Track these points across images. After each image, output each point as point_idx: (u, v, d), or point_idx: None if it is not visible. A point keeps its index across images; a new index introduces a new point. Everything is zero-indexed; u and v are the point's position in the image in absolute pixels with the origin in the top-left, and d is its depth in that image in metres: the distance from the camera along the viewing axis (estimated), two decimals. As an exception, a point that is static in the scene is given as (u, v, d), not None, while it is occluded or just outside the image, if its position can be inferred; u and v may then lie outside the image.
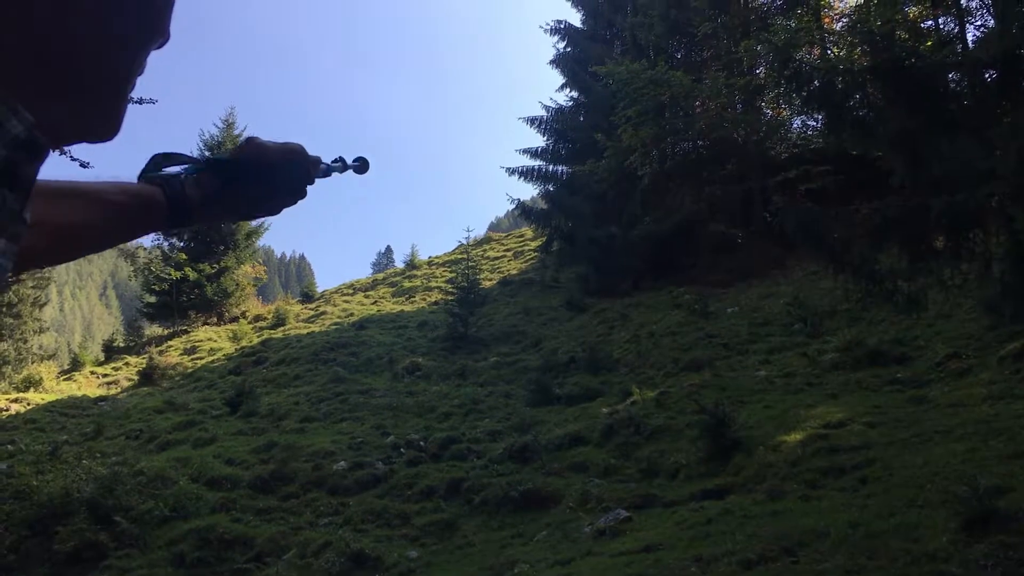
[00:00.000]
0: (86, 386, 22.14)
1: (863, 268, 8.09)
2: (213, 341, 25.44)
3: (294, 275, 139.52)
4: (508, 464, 10.47)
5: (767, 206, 20.57)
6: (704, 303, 17.41)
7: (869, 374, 10.80)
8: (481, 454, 11.12)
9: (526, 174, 28.64)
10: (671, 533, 6.74)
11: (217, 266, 29.97)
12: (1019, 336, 9.52)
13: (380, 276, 37.77)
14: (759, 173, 21.84)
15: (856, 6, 17.71)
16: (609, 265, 22.70)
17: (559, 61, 29.83)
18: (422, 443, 11.86)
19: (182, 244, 30.24)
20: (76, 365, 25.78)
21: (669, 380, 12.91)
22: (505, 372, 16.20)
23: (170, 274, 28.60)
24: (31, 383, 21.08)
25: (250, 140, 1.02)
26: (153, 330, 30.36)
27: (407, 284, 31.18)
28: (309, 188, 1.10)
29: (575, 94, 29.75)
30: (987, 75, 8.65)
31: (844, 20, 22.00)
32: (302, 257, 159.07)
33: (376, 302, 28.80)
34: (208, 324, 28.95)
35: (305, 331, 24.22)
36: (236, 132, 32.62)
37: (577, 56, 29.12)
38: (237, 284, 30.55)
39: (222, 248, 30.77)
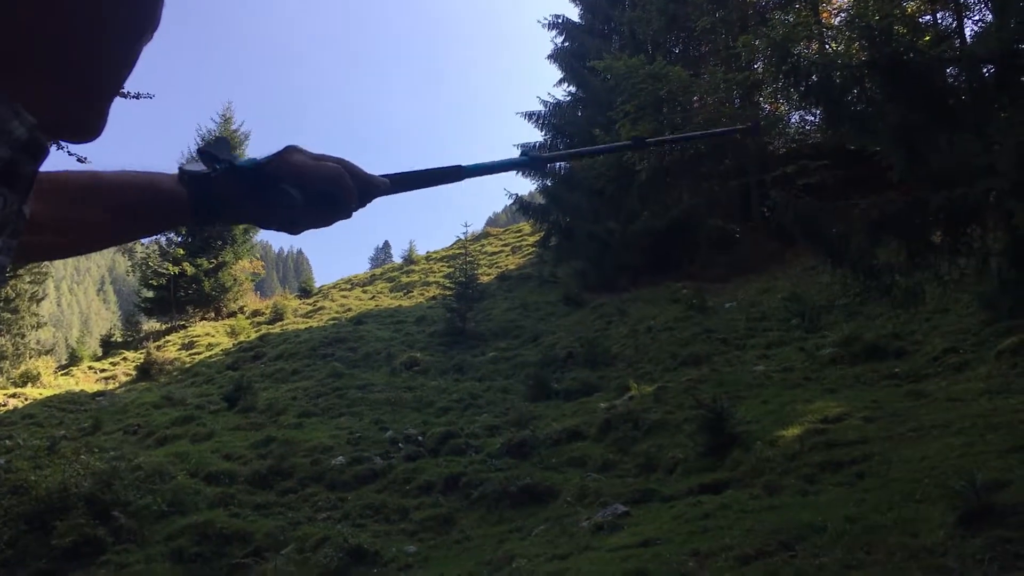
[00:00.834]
0: (84, 381, 22.13)
1: (861, 263, 8.10)
2: (211, 336, 25.43)
3: (292, 270, 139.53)
4: (506, 459, 10.48)
5: (765, 201, 20.60)
6: (702, 298, 17.43)
7: (867, 369, 10.81)
8: (479, 449, 11.13)
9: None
10: (669, 527, 6.74)
11: (215, 261, 29.94)
12: (1016, 331, 9.53)
13: (378, 271, 37.75)
14: (757, 168, 21.86)
15: (854, 1, 17.71)
16: (607, 260, 22.71)
17: (557, 56, 29.80)
18: (420, 438, 11.87)
19: (180, 239, 30.19)
20: (74, 360, 25.75)
21: (667, 375, 12.92)
22: (503, 367, 16.20)
23: (168, 269, 28.57)
24: (29, 378, 21.07)
25: (288, 151, 0.97)
26: (151, 325, 30.32)
27: (405, 279, 31.18)
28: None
29: (573, 89, 29.75)
30: (985, 70, 8.65)
31: (842, 15, 22.01)
32: (300, 252, 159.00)
33: (374, 297, 28.80)
34: (206, 319, 28.94)
35: (303, 326, 24.22)
36: (234, 127, 32.58)
37: (575, 51, 29.09)
38: (235, 279, 30.52)
39: (220, 243, 30.71)
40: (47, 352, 29.13)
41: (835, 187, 17.51)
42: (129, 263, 31.82)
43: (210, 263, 29.59)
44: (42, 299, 30.53)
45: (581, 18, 30.31)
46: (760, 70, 22.54)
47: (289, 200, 0.93)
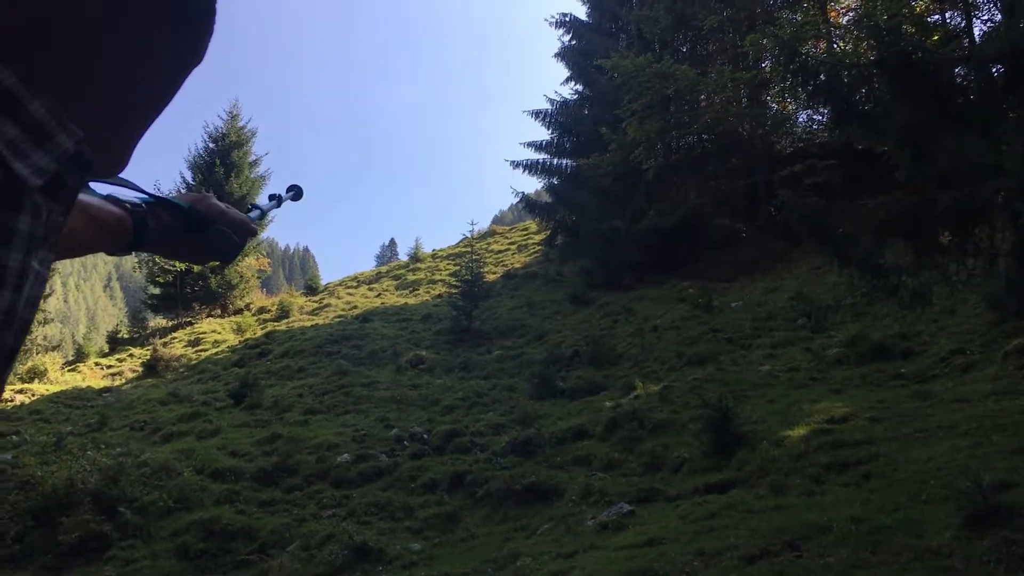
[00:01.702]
0: (90, 377, 22.19)
1: (868, 263, 8.08)
2: (217, 333, 25.47)
3: (298, 267, 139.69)
4: (511, 457, 10.48)
5: (772, 200, 20.53)
6: (708, 297, 17.41)
7: (873, 369, 10.78)
8: (484, 447, 11.13)
9: (531, 167, 28.65)
10: (674, 527, 6.73)
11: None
12: (1024, 332, 9.51)
13: (384, 269, 37.77)
14: (764, 167, 21.82)
15: (862, 0, 17.66)
16: (613, 259, 22.69)
17: (564, 54, 29.80)
18: (425, 436, 11.88)
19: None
20: (80, 356, 25.83)
21: (673, 374, 12.90)
22: (508, 365, 16.20)
23: (174, 266, 28.60)
24: (36, 374, 21.13)
25: (207, 196, 1.15)
26: (157, 322, 30.39)
27: (411, 277, 31.20)
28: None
29: (580, 87, 29.76)
30: (994, 70, 8.62)
31: (850, 14, 21.97)
32: (306, 250, 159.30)
33: (380, 295, 28.82)
34: (212, 316, 28.98)
35: (309, 323, 24.25)
36: (240, 124, 32.62)
37: (582, 49, 29.08)
38: (241, 276, 30.55)
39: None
40: (54, 348, 29.18)
41: (842, 187, 17.49)
42: (136, 260, 31.89)
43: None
44: (49, 295, 30.64)
45: (588, 16, 30.30)
46: (768, 69, 22.51)
47: (224, 239, 1.11)
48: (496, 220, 78.36)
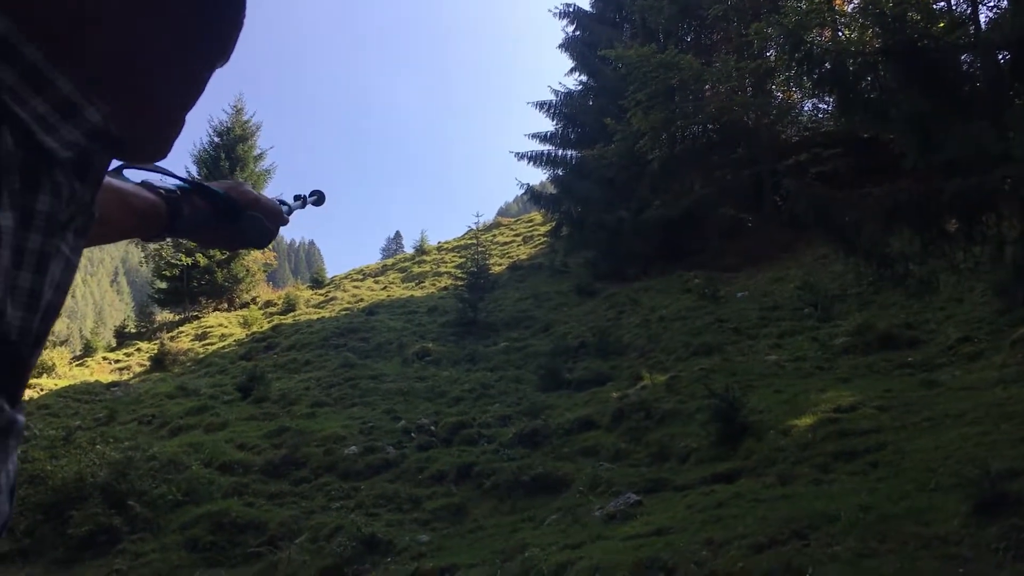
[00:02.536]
0: (98, 372, 22.27)
1: (874, 251, 8.05)
2: (224, 327, 25.52)
3: (304, 261, 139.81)
4: (518, 449, 10.49)
5: (777, 190, 20.46)
6: (714, 287, 17.39)
7: (880, 358, 10.77)
8: (491, 439, 11.15)
9: (535, 159, 28.59)
10: (682, 517, 6.75)
11: (227, 252, 30.01)
12: (1031, 319, 9.48)
13: (390, 262, 37.81)
14: (769, 157, 21.75)
15: (868, -13, 17.55)
16: (619, 250, 22.67)
17: (568, 45, 29.69)
18: (432, 428, 11.90)
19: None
20: (88, 351, 25.92)
21: (679, 364, 12.89)
22: (515, 357, 16.21)
23: (181, 260, 28.67)
24: (44, 369, 21.20)
25: (241, 183, 1.16)
26: (164, 316, 30.47)
27: (417, 269, 31.22)
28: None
29: (584, 78, 29.66)
30: (1000, 57, 8.57)
31: (856, 1, 21.81)
32: (312, 243, 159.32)
33: (386, 287, 28.85)
34: (219, 310, 29.05)
35: (315, 316, 24.28)
36: (245, 118, 32.62)
37: (586, 40, 28.97)
38: (247, 270, 30.60)
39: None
40: (62, 343, 29.34)
41: (848, 175, 17.40)
42: (142, 254, 31.96)
43: (223, 254, 29.67)
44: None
45: (592, 7, 30.16)
46: (773, 58, 22.40)
47: (259, 226, 1.13)
48: (501, 212, 78.29)
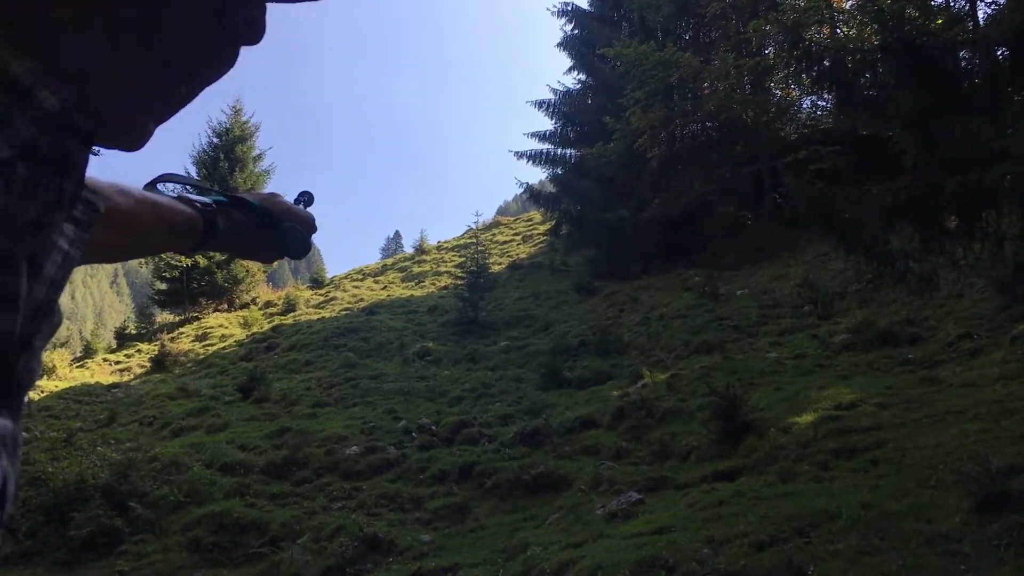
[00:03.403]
0: (99, 373, 22.25)
1: (875, 249, 8.05)
2: (224, 327, 25.51)
3: (303, 261, 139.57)
4: (519, 448, 10.49)
5: (777, 188, 20.48)
6: (714, 285, 17.39)
7: (880, 355, 10.77)
8: (492, 438, 11.15)
9: (534, 157, 28.60)
10: (683, 515, 6.75)
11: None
12: (1032, 316, 9.49)
13: (389, 261, 37.79)
14: (769, 154, 21.76)
15: (866, -16, 17.53)
16: (618, 248, 22.67)
17: (566, 43, 29.70)
18: (433, 427, 11.90)
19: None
20: (88, 352, 25.91)
21: (680, 363, 12.90)
22: (515, 356, 16.21)
23: (180, 261, 28.63)
24: (44, 371, 21.19)
25: (275, 194, 1.17)
26: (164, 317, 30.45)
27: (416, 269, 31.21)
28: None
29: (583, 77, 29.66)
30: (999, 53, 8.57)
31: (854, -2, 21.82)
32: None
33: (386, 287, 28.84)
34: (219, 311, 29.02)
35: (315, 317, 24.27)
36: (244, 119, 32.58)
37: (585, 38, 28.98)
38: (247, 270, 30.56)
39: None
40: (62, 345, 29.30)
41: (848, 173, 17.43)
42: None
43: (221, 255, 29.65)
44: (56, 292, 30.59)
45: (590, 5, 30.16)
46: (771, 56, 22.38)
47: (298, 237, 1.12)
48: (501, 211, 78.27)
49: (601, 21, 29.11)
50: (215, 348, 22.79)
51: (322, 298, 28.46)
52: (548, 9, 29.83)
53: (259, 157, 32.80)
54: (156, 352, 22.54)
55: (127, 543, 8.91)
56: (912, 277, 8.06)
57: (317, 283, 32.85)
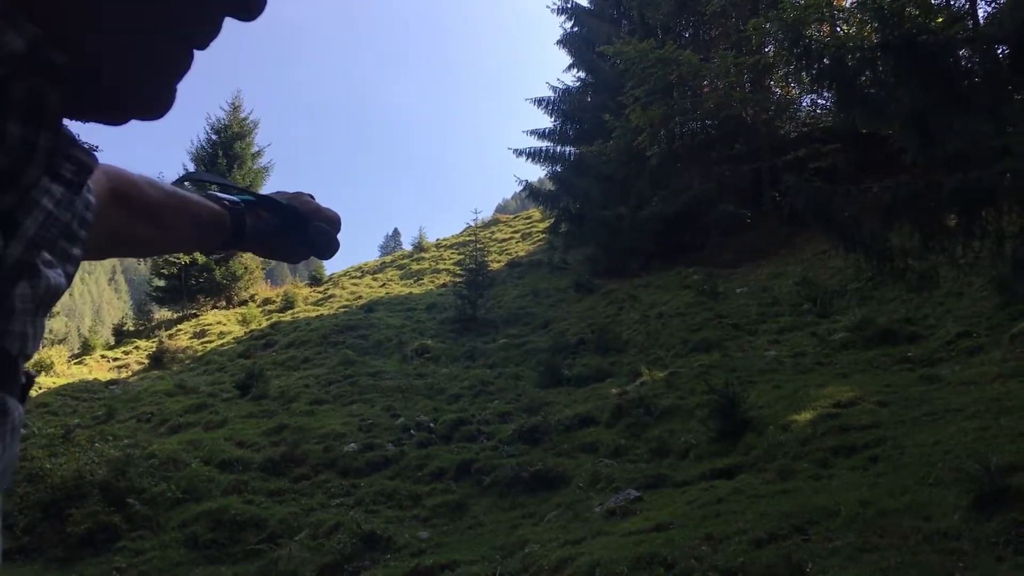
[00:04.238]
0: (97, 370, 22.23)
1: (874, 247, 8.05)
2: (222, 324, 25.49)
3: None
4: (518, 445, 10.49)
5: (776, 186, 20.50)
6: (713, 283, 17.39)
7: (880, 353, 10.77)
8: (491, 435, 11.15)
9: (534, 155, 28.59)
10: (682, 512, 6.75)
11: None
12: (1031, 314, 9.49)
13: (388, 259, 37.75)
14: (768, 152, 21.76)
15: (866, -18, 17.50)
16: (618, 246, 22.66)
17: (566, 41, 29.68)
18: (432, 425, 11.89)
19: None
20: (86, 349, 25.86)
21: (679, 361, 12.90)
22: (514, 354, 16.20)
23: (179, 258, 28.61)
24: (42, 367, 21.15)
25: (301, 194, 1.16)
26: (162, 314, 30.42)
27: (415, 266, 31.19)
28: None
29: (583, 74, 29.64)
30: (999, 51, 8.57)
31: (854, -3, 21.80)
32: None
33: (384, 285, 28.81)
34: (217, 308, 29.00)
35: (314, 314, 24.25)
36: (243, 115, 32.55)
37: (584, 36, 28.96)
38: (246, 267, 30.52)
39: (231, 232, 30.71)
40: (60, 341, 29.30)
41: (847, 171, 17.43)
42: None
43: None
44: (54, 289, 30.57)
45: (590, 3, 30.14)
46: (771, 53, 22.36)
47: (327, 236, 1.12)
48: (500, 209, 78.30)
49: (601, 19, 29.08)
50: (213, 345, 22.77)
51: (321, 295, 28.44)
52: (548, 7, 29.81)
53: (258, 154, 32.77)
54: (154, 349, 22.53)
55: (125, 539, 8.91)
56: (911, 275, 8.06)
57: (316, 280, 32.81)
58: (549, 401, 12.19)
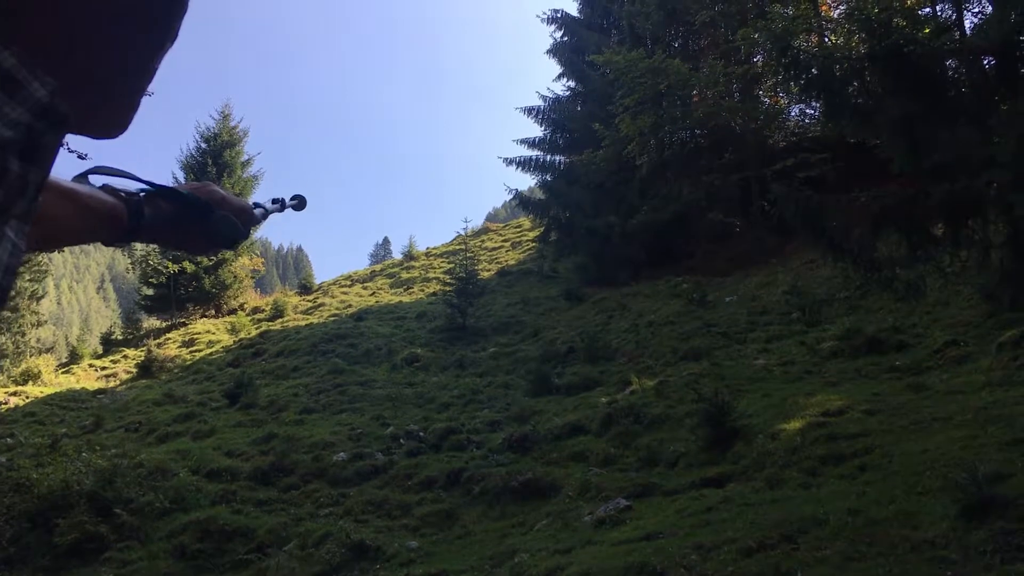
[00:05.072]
0: (84, 379, 22.13)
1: (862, 255, 8.09)
2: (211, 333, 25.43)
3: (292, 267, 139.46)
4: (507, 454, 10.48)
5: (765, 195, 20.49)
6: (702, 292, 17.43)
7: (868, 362, 10.79)
8: (480, 444, 11.13)
9: (524, 164, 28.65)
10: (671, 521, 6.74)
11: (215, 258, 29.93)
12: (1018, 323, 9.51)
13: (378, 267, 37.76)
14: (757, 161, 21.83)
15: (854, -7, 17.62)
16: (607, 255, 22.71)
17: (556, 51, 29.78)
18: (421, 434, 11.87)
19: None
20: (74, 358, 25.77)
21: (668, 369, 12.91)
22: (504, 362, 16.20)
23: (168, 267, 28.54)
24: (30, 376, 21.07)
25: (207, 184, 1.15)
26: (151, 323, 30.34)
27: (405, 275, 31.20)
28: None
29: (572, 83, 29.75)
30: (985, 62, 8.64)
31: (842, 7, 21.95)
32: (299, 249, 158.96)
33: (374, 293, 28.81)
34: (206, 316, 28.94)
35: (303, 323, 24.22)
36: (232, 124, 32.54)
37: (574, 45, 29.06)
38: (235, 276, 30.49)
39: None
40: (48, 350, 29.15)
41: (836, 180, 17.49)
42: (129, 261, 31.81)
43: (210, 260, 29.56)
44: (42, 297, 30.52)
45: (580, 12, 30.27)
46: (760, 64, 22.50)
47: (229, 225, 1.12)
48: (490, 217, 78.35)
49: (590, 28, 29.21)
50: (202, 354, 22.70)
51: (310, 304, 28.40)
52: (538, 16, 29.95)
53: (248, 162, 32.78)
54: (143, 358, 22.44)
55: (112, 550, 8.84)
56: (899, 284, 8.11)
57: (305, 289, 32.78)
58: (539, 410, 12.19)
